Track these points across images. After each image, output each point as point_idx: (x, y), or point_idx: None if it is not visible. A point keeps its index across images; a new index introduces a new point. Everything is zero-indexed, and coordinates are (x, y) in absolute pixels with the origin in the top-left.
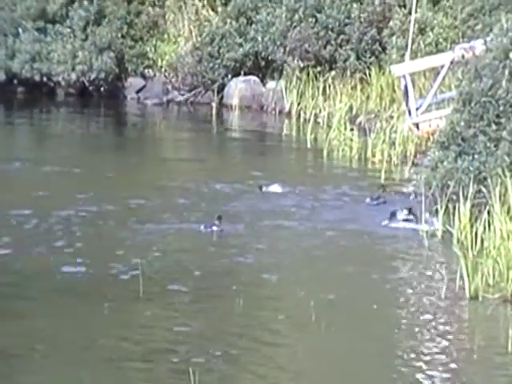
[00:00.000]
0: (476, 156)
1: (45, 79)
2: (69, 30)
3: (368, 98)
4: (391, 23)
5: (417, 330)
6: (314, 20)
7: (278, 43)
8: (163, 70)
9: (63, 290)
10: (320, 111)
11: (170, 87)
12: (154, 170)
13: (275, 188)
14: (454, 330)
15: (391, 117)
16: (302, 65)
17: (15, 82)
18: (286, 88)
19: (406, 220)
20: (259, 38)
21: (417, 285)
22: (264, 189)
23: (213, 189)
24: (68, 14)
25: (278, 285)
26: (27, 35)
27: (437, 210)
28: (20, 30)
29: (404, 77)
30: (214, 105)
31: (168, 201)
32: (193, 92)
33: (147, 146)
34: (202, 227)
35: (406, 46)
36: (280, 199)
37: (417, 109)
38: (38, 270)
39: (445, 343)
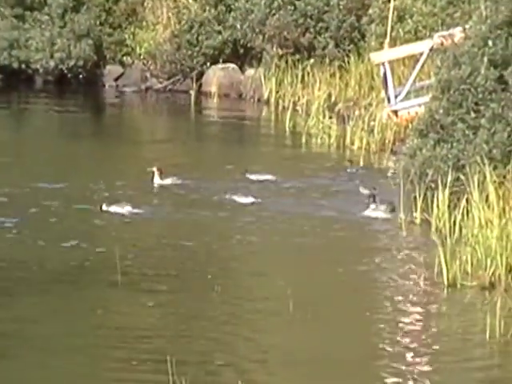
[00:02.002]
0: (455, 144)
1: (23, 66)
2: (47, 17)
3: (347, 85)
4: (370, 11)
5: (394, 317)
6: (292, 7)
7: (257, 31)
8: (142, 57)
9: (41, 277)
10: (299, 99)
11: (148, 75)
12: (125, 157)
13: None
14: (432, 317)
15: (370, 104)
16: (280, 52)
17: None
18: (264, 76)
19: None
20: (238, 26)
21: (395, 272)
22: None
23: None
24: (46, 1)
25: (255, 273)
26: (5, 22)
27: (415, 197)
28: None
29: (383, 64)
30: (192, 92)
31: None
32: (171, 80)
33: (123, 132)
34: None
35: (385, 33)
36: (258, 186)
37: (396, 96)
38: (19, 257)
39: (422, 330)
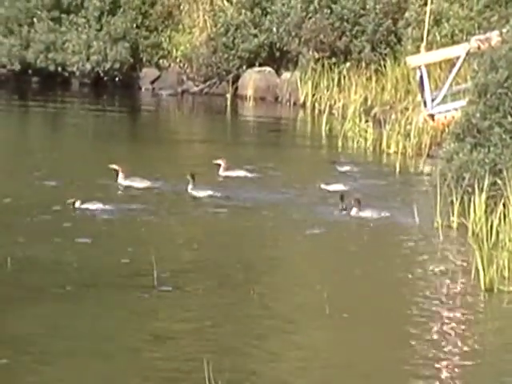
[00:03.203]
0: (491, 148)
1: (59, 69)
2: (84, 20)
3: (383, 89)
4: (407, 14)
5: (431, 322)
6: (329, 11)
7: (293, 34)
8: (178, 60)
9: (80, 281)
10: (335, 102)
11: (184, 78)
12: (162, 160)
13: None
14: (469, 321)
15: (406, 108)
16: (316, 56)
17: (30, 72)
18: (300, 79)
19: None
20: (274, 29)
21: (431, 277)
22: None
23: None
24: (83, 4)
25: (291, 275)
26: (42, 25)
27: (452, 201)
28: (35, 19)
29: (419, 68)
30: (228, 96)
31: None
32: (207, 83)
33: (160, 134)
34: None
35: (422, 37)
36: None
37: (432, 100)
38: (59, 261)
39: (459, 335)
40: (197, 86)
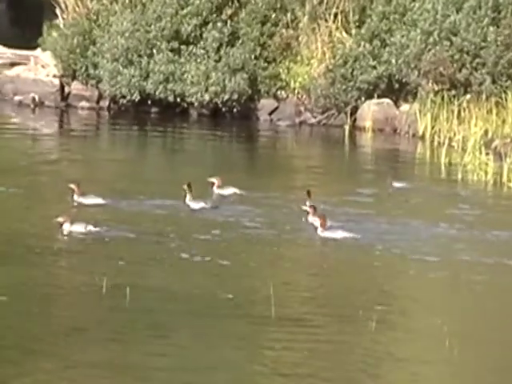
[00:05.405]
0: None
1: (178, 100)
2: (202, 51)
3: (504, 122)
4: None
5: None
6: (449, 43)
7: (412, 66)
8: (296, 91)
9: (191, 309)
10: (454, 135)
11: (302, 109)
12: (282, 195)
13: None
14: None
15: None
16: (436, 88)
17: (149, 102)
18: (419, 111)
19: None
20: (393, 61)
21: None
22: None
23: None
24: (202, 35)
25: (409, 308)
26: (161, 56)
27: None
28: (154, 50)
29: None
30: (346, 127)
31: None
32: (325, 114)
33: (276, 168)
34: None
35: None
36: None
37: None
38: (171, 288)
39: None
40: (315, 117)
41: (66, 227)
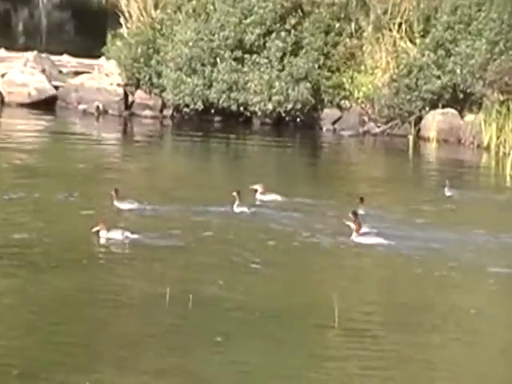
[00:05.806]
0: None
1: (241, 109)
2: (266, 60)
3: None
4: None
5: None
6: None
7: (478, 76)
8: (359, 101)
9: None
10: None
11: (366, 119)
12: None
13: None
14: None
15: None
16: (501, 98)
17: (212, 111)
18: (484, 121)
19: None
20: (458, 71)
21: None
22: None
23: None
24: (265, 44)
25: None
26: (224, 65)
27: None
28: (218, 59)
29: None
30: (410, 137)
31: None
32: (389, 124)
33: (337, 177)
34: None
35: None
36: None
37: None
38: (234, 298)
39: None
40: (378, 126)
41: (103, 234)
